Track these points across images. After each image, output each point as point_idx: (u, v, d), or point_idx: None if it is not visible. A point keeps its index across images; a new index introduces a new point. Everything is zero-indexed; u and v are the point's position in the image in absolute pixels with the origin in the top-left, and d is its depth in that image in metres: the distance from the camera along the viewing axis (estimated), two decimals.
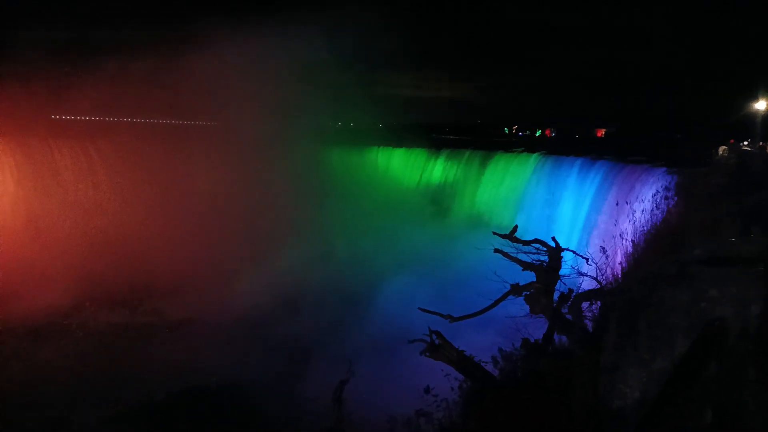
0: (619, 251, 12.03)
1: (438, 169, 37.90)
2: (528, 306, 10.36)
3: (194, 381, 17.24)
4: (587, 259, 10.66)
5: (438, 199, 35.65)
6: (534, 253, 10.56)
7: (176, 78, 31.31)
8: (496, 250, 10.71)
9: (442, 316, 10.16)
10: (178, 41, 29.53)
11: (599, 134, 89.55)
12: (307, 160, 32.04)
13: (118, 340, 20.61)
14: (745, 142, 24.78)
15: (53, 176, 29.20)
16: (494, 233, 11.00)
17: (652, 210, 14.00)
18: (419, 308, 10.65)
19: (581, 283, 10.09)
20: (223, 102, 32.22)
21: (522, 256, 10.79)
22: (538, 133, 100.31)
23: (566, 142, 59.82)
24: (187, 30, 29.78)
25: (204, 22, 30.38)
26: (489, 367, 10.76)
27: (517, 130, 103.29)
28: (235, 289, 23.75)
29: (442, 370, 10.73)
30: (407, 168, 39.28)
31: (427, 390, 9.89)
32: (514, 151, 35.20)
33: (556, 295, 10.23)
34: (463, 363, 10.50)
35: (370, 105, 40.81)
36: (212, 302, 23.17)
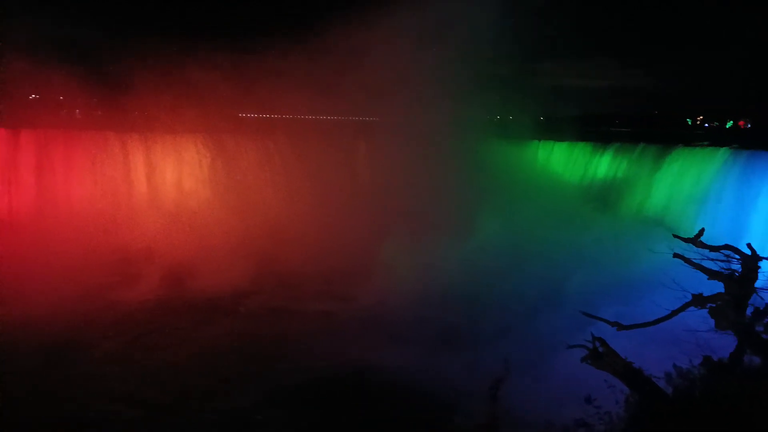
0: None
1: (605, 165, 35.20)
2: (712, 320, 9.31)
3: (347, 367, 17.66)
4: None
5: (604, 197, 33.12)
6: (723, 261, 9.36)
7: (338, 76, 33.15)
8: (676, 255, 9.68)
9: (608, 322, 9.48)
10: (336, 39, 31.04)
11: None
12: (465, 154, 31.97)
13: (281, 322, 22.04)
14: None
15: (238, 169, 32.89)
16: (675, 236, 9.96)
17: None
18: (582, 312, 10.07)
19: None
20: (384, 98, 33.42)
21: (708, 264, 9.64)
22: (729, 124, 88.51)
23: (766, 134, 51.65)
24: (345, 26, 31.19)
25: (363, 18, 31.55)
26: (661, 383, 9.84)
27: (702, 121, 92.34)
28: (394, 278, 24.59)
29: (606, 380, 10.04)
30: (570, 163, 37.11)
31: (588, 399, 9.32)
32: (698, 145, 31.33)
33: (749, 310, 9.04)
34: (630, 375, 9.72)
35: (530, 97, 39.32)
36: (371, 291, 24.21)
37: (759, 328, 8.76)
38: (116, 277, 25.42)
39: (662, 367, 10.12)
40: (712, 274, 9.41)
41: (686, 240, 9.92)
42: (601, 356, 9.45)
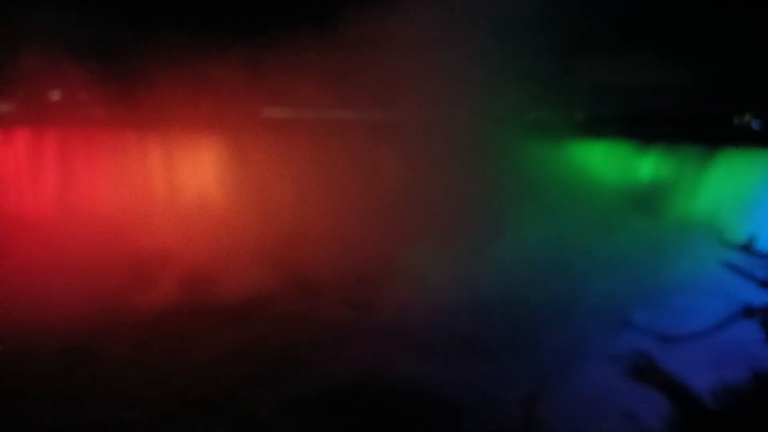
0: None
1: (646, 166, 33.93)
2: (762, 332, 8.80)
3: (365, 378, 17.20)
4: None
5: (645, 200, 31.86)
6: None
7: (362, 71, 32.67)
8: (725, 264, 9.16)
9: (650, 333, 9.04)
10: (360, 34, 30.63)
11: None
12: (495, 154, 31.25)
13: (297, 330, 21.76)
14: None
15: (258, 170, 32.67)
16: (722, 243, 9.43)
17: None
18: (622, 322, 9.64)
19: None
20: (410, 94, 32.86)
21: (759, 272, 9.11)
22: None
23: None
24: (369, 21, 30.76)
25: (388, 12, 31.02)
26: (706, 399, 9.33)
27: (750, 120, 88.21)
28: (417, 284, 24.14)
29: (648, 395, 9.60)
30: (608, 163, 35.89)
31: (630, 414, 8.92)
32: (747, 145, 29.86)
33: None
34: (673, 389, 9.28)
35: (567, 94, 38.18)
36: (392, 297, 23.75)
37: None
38: (136, 279, 25.54)
39: (708, 382, 9.59)
40: (763, 283, 8.88)
41: (735, 247, 9.37)
42: (641, 369, 9.07)
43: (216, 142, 32.20)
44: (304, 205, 32.22)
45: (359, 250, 27.39)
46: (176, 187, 31.51)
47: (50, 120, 29.67)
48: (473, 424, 15.07)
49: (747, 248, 9.21)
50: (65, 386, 16.67)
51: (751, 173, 27.49)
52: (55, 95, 34.32)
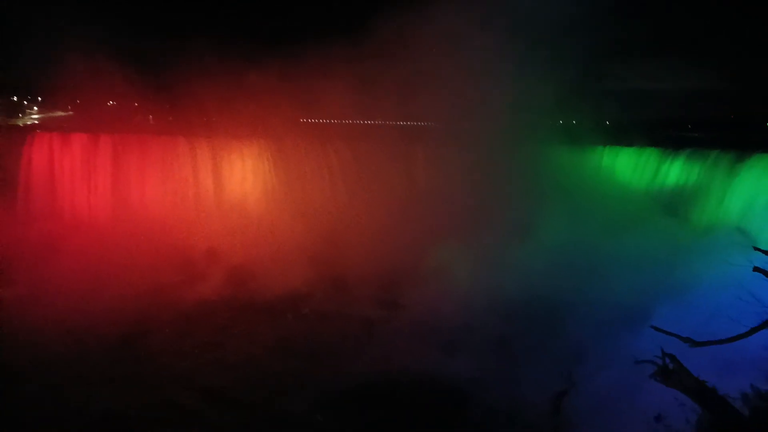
0: None
1: (675, 172, 33.38)
2: None
3: (396, 374, 17.58)
4: None
5: (674, 206, 31.35)
6: None
7: (396, 80, 33.15)
8: (756, 269, 9.13)
9: (680, 338, 9.06)
10: (395, 44, 31.07)
11: None
12: (525, 159, 31.20)
13: (333, 326, 22.24)
14: None
15: (298, 173, 33.54)
16: (756, 248, 9.39)
17: None
18: (652, 326, 9.66)
19: None
20: (442, 102, 33.13)
21: None
22: None
23: None
24: (402, 31, 31.18)
25: (421, 22, 31.39)
26: (737, 404, 9.29)
27: None
28: (449, 284, 24.36)
29: (676, 398, 9.59)
30: (637, 169, 35.46)
31: (658, 418, 8.94)
32: None
33: None
34: (703, 394, 9.23)
35: (595, 100, 37.91)
36: (426, 296, 24.07)
37: None
38: (182, 275, 26.62)
39: (738, 387, 9.55)
40: None
41: (766, 251, 9.33)
42: (671, 373, 9.04)
43: (258, 147, 33.34)
44: (340, 207, 32.96)
45: (391, 250, 27.82)
46: (221, 190, 32.66)
47: (105, 127, 31.33)
48: (502, 422, 15.25)
49: None
50: (109, 376, 17.49)
51: None
52: (110, 104, 36.01)
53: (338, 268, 27.15)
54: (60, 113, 42.24)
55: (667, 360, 8.84)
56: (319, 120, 40.13)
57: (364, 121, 38.21)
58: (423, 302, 23.43)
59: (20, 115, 42.17)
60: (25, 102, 45.29)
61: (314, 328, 22.12)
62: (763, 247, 9.45)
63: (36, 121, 38.97)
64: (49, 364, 17.50)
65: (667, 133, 43.30)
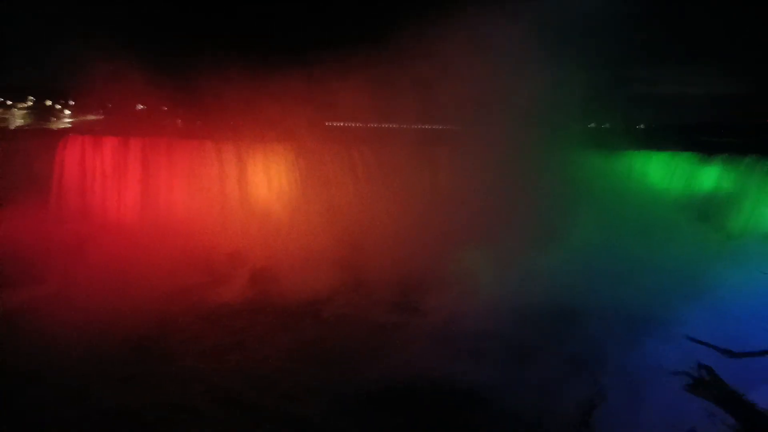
0: None
1: (708, 178, 32.51)
2: None
3: (417, 379, 17.25)
4: None
5: (707, 213, 30.46)
6: None
7: (421, 84, 33.03)
8: None
9: (717, 349, 8.72)
10: (418, 48, 31.04)
11: None
12: (554, 164, 30.71)
13: (354, 330, 22.02)
14: None
15: (323, 178, 33.64)
16: None
17: None
18: (688, 337, 9.32)
19: None
20: (468, 106, 32.90)
21: None
22: None
23: None
24: (426, 36, 31.12)
25: (445, 26, 31.28)
26: None
27: None
28: (472, 289, 24.03)
29: (705, 409, 9.23)
30: (669, 175, 34.61)
31: (690, 430, 8.60)
32: None
33: None
34: (738, 406, 8.87)
35: (626, 105, 37.17)
36: (448, 300, 23.78)
37: None
38: (206, 277, 26.82)
39: None
40: None
41: None
42: (705, 384, 8.73)
43: (282, 151, 33.64)
44: (364, 210, 32.94)
45: (415, 254, 27.61)
46: (246, 193, 33.01)
47: (135, 130, 31.75)
48: (525, 426, 14.82)
49: None
50: (129, 374, 17.71)
51: None
52: (139, 108, 36.86)
53: (361, 272, 27.04)
54: (91, 117, 43.28)
55: (703, 372, 8.50)
56: (343, 123, 40.25)
57: (388, 125, 38.21)
58: (446, 307, 23.10)
59: (53, 118, 43.37)
60: (58, 106, 46.57)
61: (334, 332, 21.97)
62: None
63: (68, 125, 39.94)
64: (71, 360, 17.74)
65: (698, 138, 42.28)
